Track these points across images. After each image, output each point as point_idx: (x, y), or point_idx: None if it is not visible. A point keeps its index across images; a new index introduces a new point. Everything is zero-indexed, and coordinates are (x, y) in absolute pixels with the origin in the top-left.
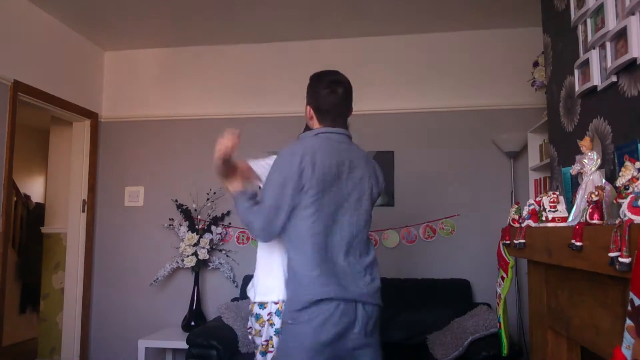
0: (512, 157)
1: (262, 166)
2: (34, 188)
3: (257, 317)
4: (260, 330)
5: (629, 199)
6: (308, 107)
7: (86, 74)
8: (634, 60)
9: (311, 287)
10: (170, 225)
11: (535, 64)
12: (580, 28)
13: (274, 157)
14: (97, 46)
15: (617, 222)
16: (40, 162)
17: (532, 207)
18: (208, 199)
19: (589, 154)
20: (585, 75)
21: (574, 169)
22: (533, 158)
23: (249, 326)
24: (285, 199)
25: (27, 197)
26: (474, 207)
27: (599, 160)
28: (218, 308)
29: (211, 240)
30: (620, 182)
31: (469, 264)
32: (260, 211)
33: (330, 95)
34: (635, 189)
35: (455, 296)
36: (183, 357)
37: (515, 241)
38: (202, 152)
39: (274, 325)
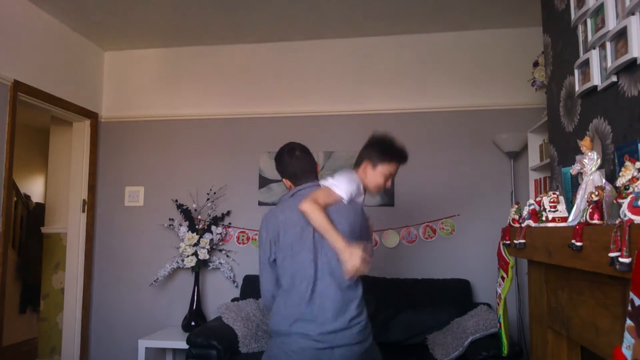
0: (512, 157)
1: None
2: (34, 188)
3: None
4: None
5: (629, 199)
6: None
7: (86, 74)
8: (634, 60)
9: None
10: (170, 225)
11: (535, 64)
12: (580, 28)
13: (339, 175)
14: (97, 46)
15: (617, 222)
16: (40, 162)
17: (532, 207)
18: (208, 199)
19: (589, 154)
20: (585, 75)
21: (574, 169)
22: (533, 158)
23: None
24: None
25: (27, 197)
26: (474, 207)
27: (599, 160)
28: (218, 308)
29: (211, 240)
30: (620, 182)
31: (469, 264)
32: None
33: None
34: (636, 189)
35: (455, 296)
36: (183, 357)
37: (515, 241)
38: (202, 152)
39: None
